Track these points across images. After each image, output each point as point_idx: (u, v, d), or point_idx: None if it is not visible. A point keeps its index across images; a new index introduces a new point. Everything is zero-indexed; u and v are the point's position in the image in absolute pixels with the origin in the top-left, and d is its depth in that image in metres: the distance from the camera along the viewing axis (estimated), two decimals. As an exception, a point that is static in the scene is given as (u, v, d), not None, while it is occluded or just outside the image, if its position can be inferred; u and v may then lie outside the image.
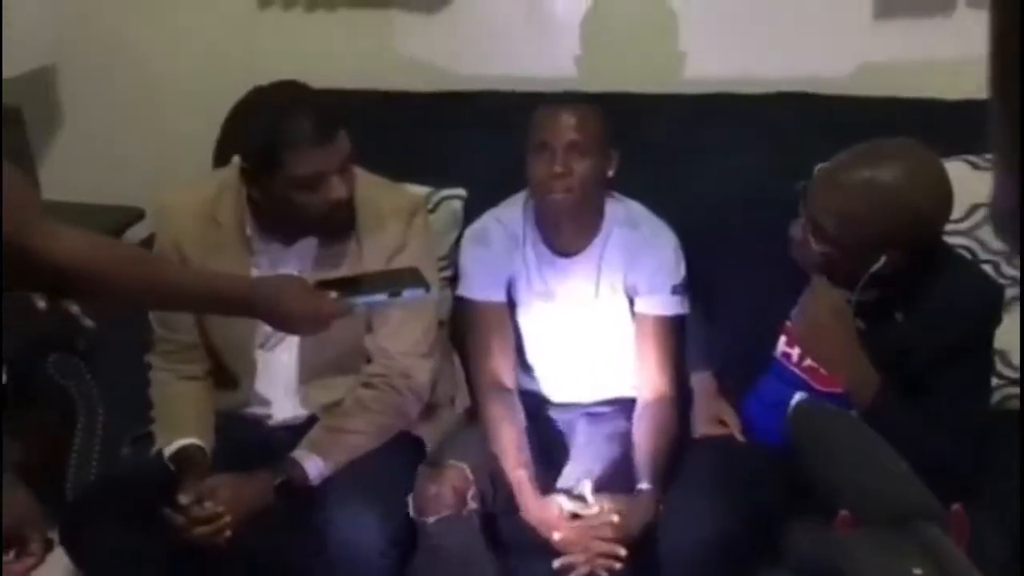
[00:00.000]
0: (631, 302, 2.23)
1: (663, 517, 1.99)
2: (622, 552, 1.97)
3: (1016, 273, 2.17)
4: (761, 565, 2.01)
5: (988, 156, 2.39)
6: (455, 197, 2.48)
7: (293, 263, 2.08)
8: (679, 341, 2.23)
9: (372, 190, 2.11)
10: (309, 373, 2.14)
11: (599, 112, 2.16)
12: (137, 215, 2.75)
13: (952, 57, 2.43)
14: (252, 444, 2.14)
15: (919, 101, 2.42)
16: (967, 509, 1.38)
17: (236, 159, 2.03)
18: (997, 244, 2.17)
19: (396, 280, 1.92)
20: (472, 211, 2.41)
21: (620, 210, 2.23)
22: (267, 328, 1.98)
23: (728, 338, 2.15)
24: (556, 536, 1.99)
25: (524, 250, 2.22)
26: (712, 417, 2.14)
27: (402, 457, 2.12)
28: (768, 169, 2.41)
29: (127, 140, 2.90)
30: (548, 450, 2.20)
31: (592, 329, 2.24)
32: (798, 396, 1.91)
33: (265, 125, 1.94)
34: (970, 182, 2.15)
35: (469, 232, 2.30)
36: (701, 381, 2.20)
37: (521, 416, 2.18)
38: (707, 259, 2.27)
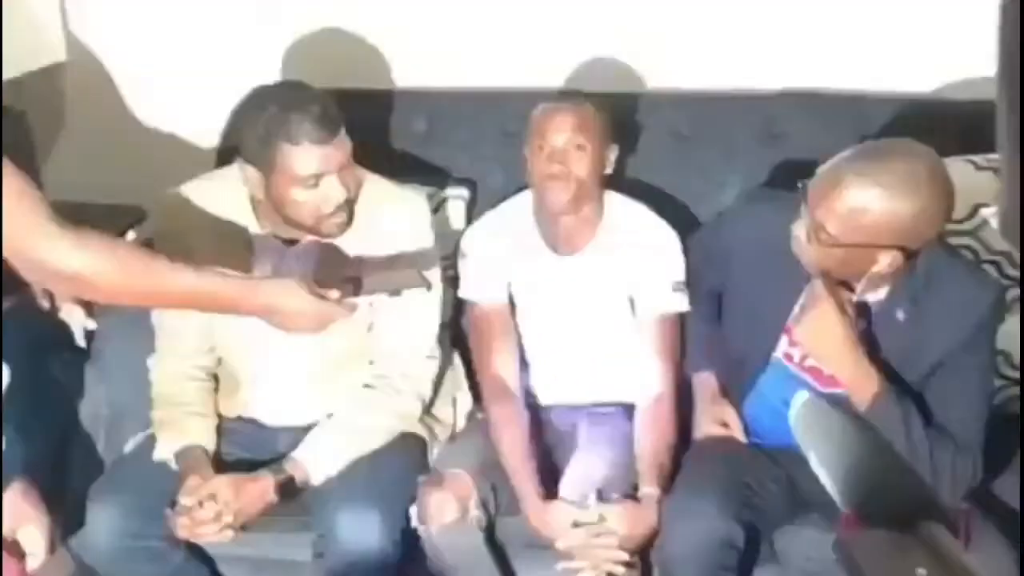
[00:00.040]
0: (632, 301, 2.23)
1: (665, 519, 1.99)
2: (626, 557, 1.97)
3: (1017, 273, 2.17)
4: (762, 566, 2.01)
5: (990, 156, 2.42)
6: (457, 197, 2.48)
7: (295, 263, 2.07)
8: (680, 339, 2.23)
9: (374, 190, 2.11)
10: (311, 373, 2.14)
11: (597, 108, 2.16)
12: (140, 215, 2.75)
13: (954, 57, 2.44)
14: (254, 445, 2.14)
15: (921, 101, 2.42)
16: (968, 509, 1.38)
17: (238, 159, 2.03)
18: (999, 244, 2.18)
19: (397, 280, 1.93)
20: (474, 212, 2.41)
21: (619, 208, 2.23)
22: (269, 328, 1.98)
23: (729, 338, 2.15)
24: (560, 544, 1.99)
25: (524, 249, 2.22)
26: (714, 418, 2.14)
27: (404, 457, 2.12)
28: (768, 169, 2.42)
29: (129, 140, 2.90)
30: (550, 452, 2.20)
31: (593, 328, 2.24)
32: (802, 395, 1.91)
33: (266, 124, 1.94)
34: (972, 182, 2.16)
35: (469, 233, 2.30)
36: (703, 381, 2.20)
37: (525, 419, 2.17)
38: (708, 259, 2.27)
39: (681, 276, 2.21)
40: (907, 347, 1.92)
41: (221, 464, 2.07)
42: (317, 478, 2.03)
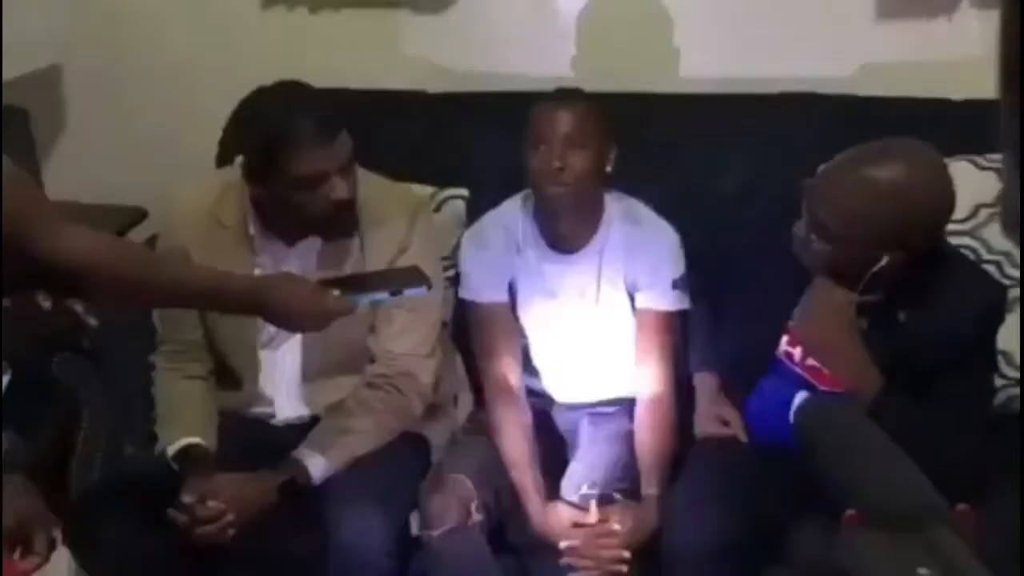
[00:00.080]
0: (632, 299, 2.23)
1: (666, 519, 1.99)
2: (627, 555, 1.97)
3: (1017, 273, 2.17)
4: (765, 566, 2.01)
5: (991, 156, 2.42)
6: (458, 197, 2.48)
7: (296, 263, 2.08)
8: (680, 337, 2.23)
9: (375, 190, 2.12)
10: (312, 373, 2.15)
11: (596, 107, 2.15)
12: (141, 215, 2.76)
13: (955, 57, 2.44)
14: (255, 444, 2.14)
15: (921, 101, 2.42)
16: (971, 509, 1.38)
17: (239, 159, 2.03)
18: (1000, 244, 2.18)
19: (398, 279, 1.93)
20: (475, 211, 2.41)
21: (619, 206, 2.23)
22: (271, 327, 1.98)
23: (730, 338, 2.15)
24: (562, 545, 1.99)
25: (524, 249, 2.22)
26: (715, 417, 2.14)
27: (406, 457, 2.12)
28: (769, 169, 2.42)
29: (130, 140, 2.90)
30: (552, 451, 2.20)
31: (594, 327, 2.24)
32: (803, 394, 1.92)
33: (267, 125, 1.94)
34: (973, 182, 2.16)
35: (468, 234, 2.30)
36: (704, 381, 2.20)
37: (528, 420, 2.18)
38: (708, 259, 2.27)
39: (680, 273, 2.21)
40: (907, 347, 1.92)
41: (222, 463, 2.07)
42: (318, 478, 2.03)
